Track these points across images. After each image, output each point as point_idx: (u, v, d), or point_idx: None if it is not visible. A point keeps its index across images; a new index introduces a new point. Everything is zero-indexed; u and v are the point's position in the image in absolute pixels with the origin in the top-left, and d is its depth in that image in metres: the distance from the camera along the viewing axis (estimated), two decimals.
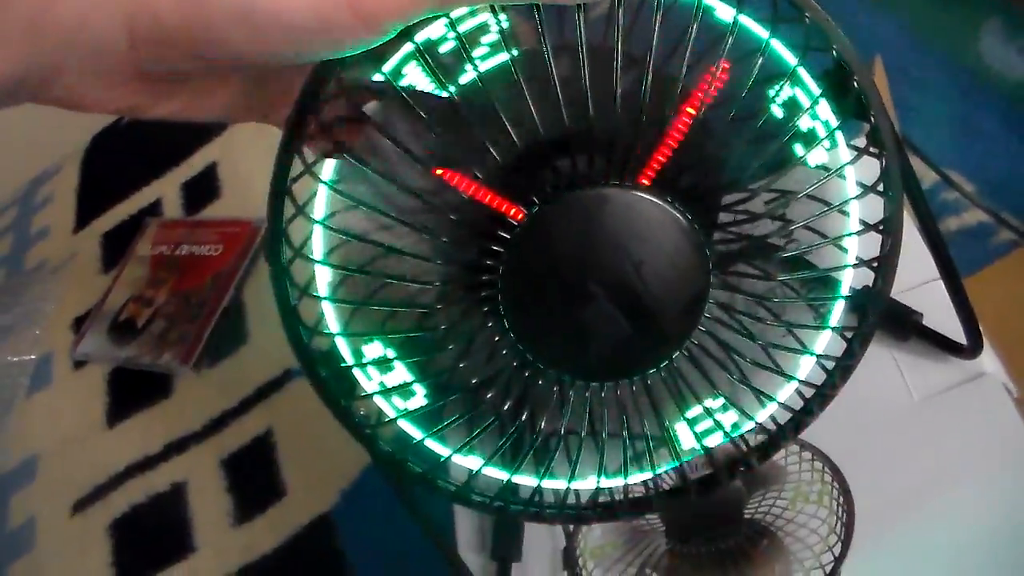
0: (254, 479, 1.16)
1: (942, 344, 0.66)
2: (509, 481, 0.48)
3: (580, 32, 0.39)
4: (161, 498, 1.20)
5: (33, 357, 1.44)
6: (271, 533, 1.10)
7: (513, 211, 0.41)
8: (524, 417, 0.46)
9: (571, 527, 0.63)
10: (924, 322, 0.66)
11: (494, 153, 0.41)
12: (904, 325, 0.66)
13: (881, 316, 0.65)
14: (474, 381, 0.45)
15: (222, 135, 1.56)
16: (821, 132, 0.43)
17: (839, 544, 0.59)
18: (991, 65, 1.19)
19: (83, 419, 1.32)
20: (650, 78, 0.39)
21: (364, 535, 1.05)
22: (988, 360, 0.65)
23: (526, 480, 0.48)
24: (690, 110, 0.41)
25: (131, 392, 1.32)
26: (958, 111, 1.16)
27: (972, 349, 0.63)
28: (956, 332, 0.63)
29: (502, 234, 0.41)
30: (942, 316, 0.62)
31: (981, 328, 0.64)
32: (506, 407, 0.45)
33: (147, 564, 1.15)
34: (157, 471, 1.23)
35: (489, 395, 0.45)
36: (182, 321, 1.33)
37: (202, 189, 1.54)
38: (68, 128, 1.68)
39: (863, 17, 1.23)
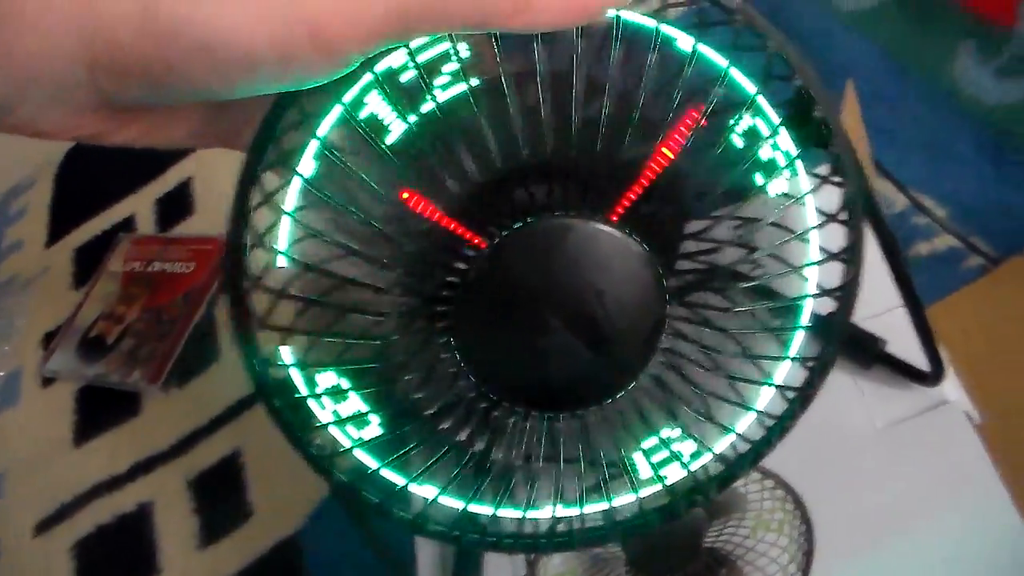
0: (221, 500, 1.16)
1: (905, 372, 0.65)
2: (465, 511, 0.48)
3: (538, 61, 0.39)
4: (127, 519, 1.19)
5: (2, 373, 1.43)
6: (237, 555, 1.09)
7: (476, 240, 0.40)
8: (479, 447, 0.45)
9: (531, 556, 0.62)
10: (888, 349, 0.66)
11: (452, 182, 0.41)
12: (867, 352, 0.66)
13: (844, 343, 0.66)
14: (428, 412, 0.45)
15: (197, 152, 1.55)
16: (781, 161, 0.43)
17: (799, 573, 0.59)
18: (965, 88, 1.20)
19: (50, 438, 1.31)
20: (608, 110, 0.39)
21: (330, 558, 1.05)
22: (951, 388, 0.65)
23: (482, 509, 0.48)
24: (667, 151, 0.41)
25: (99, 410, 1.31)
26: (932, 135, 1.17)
27: (934, 377, 0.63)
28: (920, 359, 0.63)
29: (458, 265, 0.41)
30: (906, 343, 0.62)
31: (947, 354, 0.64)
32: (461, 437, 0.45)
33: None
34: (124, 491, 1.22)
35: (444, 425, 0.45)
36: (152, 339, 1.32)
37: (176, 205, 1.53)
38: (42, 143, 1.66)
39: (839, 41, 1.24)
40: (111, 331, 1.36)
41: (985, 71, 1.20)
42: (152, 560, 1.14)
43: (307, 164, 0.41)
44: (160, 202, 1.56)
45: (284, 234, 0.42)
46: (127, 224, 1.55)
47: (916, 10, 1.27)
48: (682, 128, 0.41)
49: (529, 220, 0.40)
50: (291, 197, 0.42)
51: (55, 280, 1.53)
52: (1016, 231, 1.07)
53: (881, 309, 0.68)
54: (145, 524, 1.17)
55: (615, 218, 0.41)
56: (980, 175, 1.13)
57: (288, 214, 0.42)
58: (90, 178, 1.67)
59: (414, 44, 0.38)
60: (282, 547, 1.08)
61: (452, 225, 0.40)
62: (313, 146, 0.40)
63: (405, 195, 0.40)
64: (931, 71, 1.22)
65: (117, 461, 1.25)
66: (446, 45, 0.39)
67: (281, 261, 0.42)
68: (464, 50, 0.40)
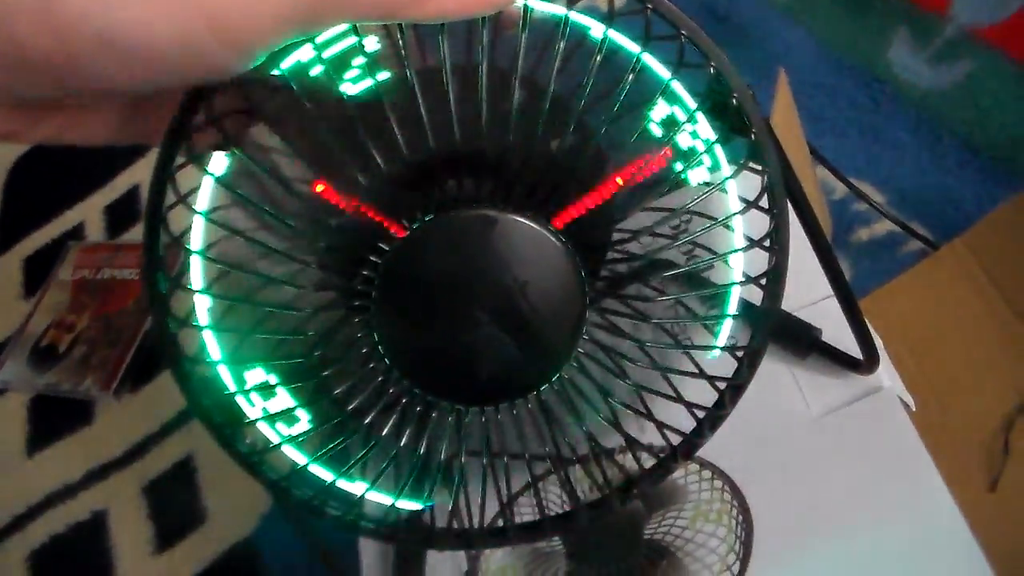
0: (175, 505, 1.15)
1: (840, 360, 0.66)
2: (392, 506, 0.48)
3: (443, 52, 0.38)
4: (81, 527, 1.18)
5: None
6: (192, 560, 1.09)
7: (392, 228, 0.40)
8: (406, 442, 0.45)
9: (471, 552, 0.62)
10: (823, 338, 0.66)
11: (363, 176, 0.40)
12: (803, 341, 0.66)
13: (779, 333, 0.66)
14: (353, 407, 0.44)
15: (145, 157, 1.54)
16: (701, 149, 0.43)
17: (738, 563, 0.59)
18: (900, 75, 1.21)
19: (2, 448, 1.30)
20: (518, 100, 0.39)
21: (285, 559, 1.05)
22: (885, 374, 0.65)
23: (412, 505, 0.48)
24: (619, 180, 0.41)
25: (52, 420, 1.30)
26: (868, 121, 1.18)
27: (868, 364, 0.63)
28: (855, 347, 0.63)
29: (373, 258, 0.41)
30: (842, 331, 0.62)
31: (884, 340, 0.65)
32: (387, 431, 0.45)
33: None
34: (77, 500, 1.21)
35: (369, 419, 0.45)
36: (104, 346, 1.31)
37: (125, 212, 1.52)
38: None
39: (775, 30, 1.25)
40: (62, 339, 1.35)
41: (919, 57, 1.21)
42: (108, 568, 1.13)
43: (219, 162, 0.40)
44: (109, 209, 1.54)
45: (198, 234, 0.42)
46: (76, 232, 1.54)
47: None
48: (641, 164, 0.41)
49: (439, 213, 0.40)
50: (204, 196, 0.42)
51: (4, 290, 1.51)
52: (954, 216, 1.08)
53: (816, 298, 0.68)
54: (100, 532, 1.17)
55: (559, 224, 0.41)
56: (917, 160, 1.14)
57: (200, 214, 0.41)
58: (38, 187, 1.65)
59: (320, 39, 0.38)
60: (238, 550, 1.08)
61: (368, 214, 0.40)
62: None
63: (320, 187, 0.40)
64: (866, 58, 1.24)
65: (70, 469, 1.24)
66: (354, 39, 0.39)
67: (196, 261, 0.42)
68: (373, 43, 0.39)
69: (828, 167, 1.12)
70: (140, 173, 1.55)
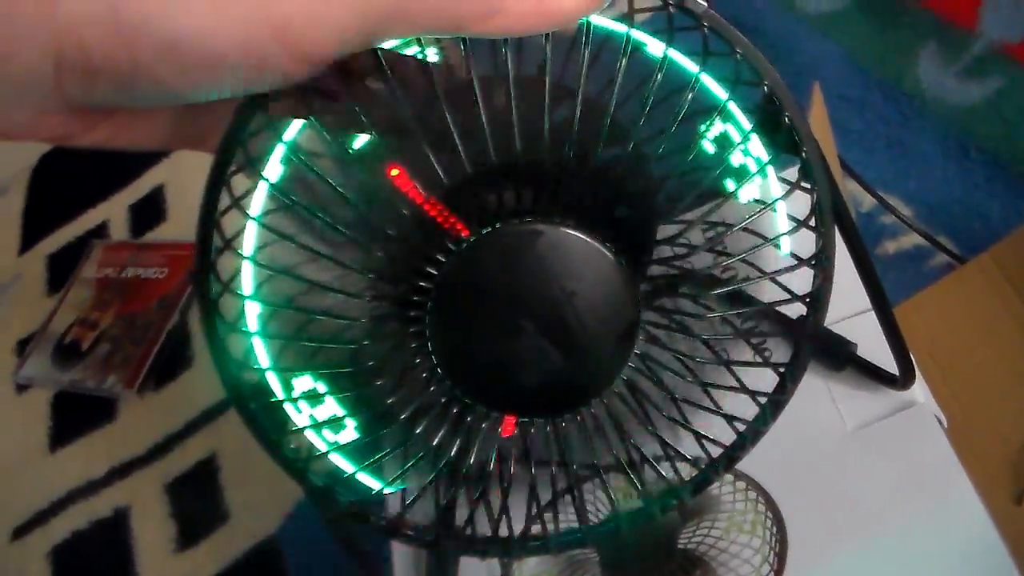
0: (198, 504, 1.16)
1: (875, 375, 0.66)
2: (439, 515, 0.48)
3: (508, 65, 0.39)
4: (103, 524, 1.19)
5: None
6: (214, 558, 1.10)
7: (460, 229, 0.41)
8: (453, 451, 0.46)
9: (505, 559, 0.63)
10: (858, 352, 0.67)
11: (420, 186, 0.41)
12: (838, 356, 0.67)
13: (815, 348, 0.66)
14: (403, 416, 0.45)
15: (169, 157, 1.55)
16: (752, 167, 0.43)
17: (772, 573, 0.59)
18: (928, 90, 1.21)
19: (25, 444, 1.31)
20: (578, 115, 0.40)
21: (308, 558, 1.05)
22: (920, 390, 0.65)
23: (456, 514, 0.48)
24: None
25: (75, 416, 1.32)
26: (897, 135, 1.19)
27: (904, 381, 0.63)
28: (890, 361, 0.63)
29: (429, 270, 0.41)
30: (876, 345, 0.62)
31: (914, 355, 0.65)
32: (435, 441, 0.45)
33: None
34: (100, 496, 1.22)
35: (419, 429, 0.45)
36: (127, 344, 1.32)
37: (149, 211, 1.54)
38: (15, 149, 1.67)
39: (804, 43, 1.25)
40: (86, 337, 1.36)
41: (948, 73, 1.22)
42: (129, 565, 1.14)
43: (274, 168, 0.41)
44: (133, 208, 1.56)
45: (250, 239, 0.43)
46: (100, 231, 1.56)
47: (879, 13, 1.29)
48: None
49: (498, 225, 0.40)
50: (258, 201, 0.42)
51: (28, 287, 1.53)
52: (980, 229, 1.09)
53: (851, 312, 0.68)
54: (122, 529, 1.18)
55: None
56: (945, 174, 1.15)
57: (254, 219, 0.42)
58: (63, 186, 1.67)
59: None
60: (260, 548, 1.09)
61: (439, 210, 0.40)
62: (280, 150, 0.41)
63: (395, 171, 0.40)
64: (895, 73, 1.24)
65: (93, 466, 1.25)
66: (416, 49, 0.40)
67: (247, 266, 0.43)
68: (433, 55, 0.40)
69: (856, 179, 1.12)
70: (164, 173, 1.57)
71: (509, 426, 0.45)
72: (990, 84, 1.20)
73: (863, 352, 0.67)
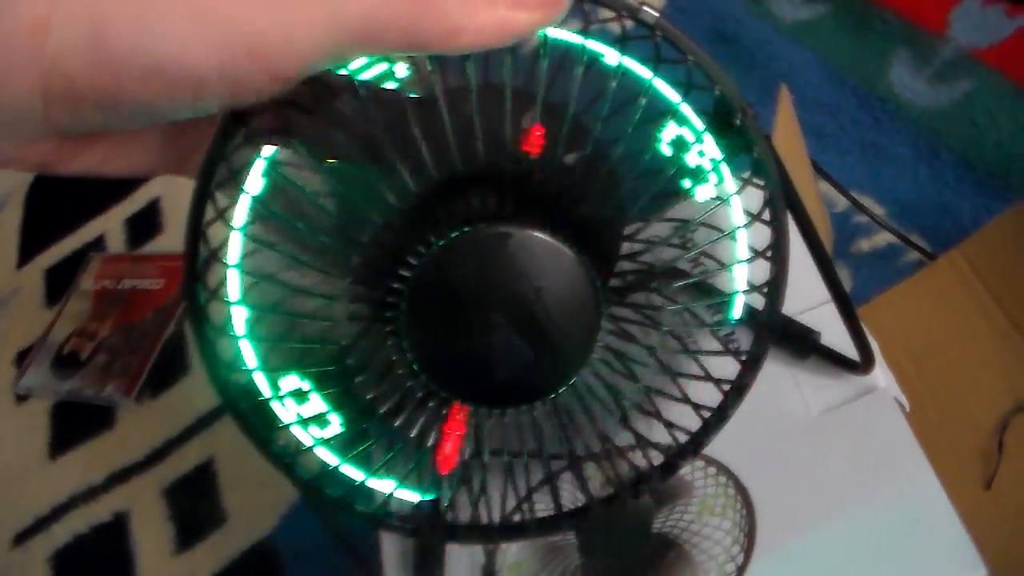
0: (196, 507, 1.18)
1: (838, 361, 0.68)
2: (421, 503, 0.50)
3: (472, 77, 0.41)
4: (103, 528, 1.21)
5: None
6: (212, 559, 1.11)
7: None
8: (431, 443, 0.48)
9: (489, 546, 0.65)
10: (822, 340, 0.69)
11: (391, 195, 0.43)
12: (802, 344, 0.69)
13: (780, 336, 0.69)
14: (384, 410, 0.47)
15: None
16: (707, 167, 0.45)
17: (742, 554, 0.61)
18: (900, 94, 1.24)
19: (25, 452, 1.33)
20: (537, 122, 0.42)
21: (304, 557, 1.07)
22: (881, 375, 0.67)
23: (436, 501, 0.51)
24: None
25: (74, 424, 1.33)
26: (870, 138, 1.21)
27: (864, 365, 0.66)
28: (852, 350, 0.66)
29: (403, 273, 0.43)
30: (839, 336, 0.65)
31: (883, 346, 0.67)
32: (414, 433, 0.48)
33: None
34: (99, 502, 1.24)
35: (398, 422, 0.48)
36: (125, 353, 1.34)
37: (145, 224, 1.56)
38: None
39: (781, 50, 1.27)
40: (84, 347, 1.38)
41: (919, 77, 1.24)
42: (129, 568, 1.16)
43: (255, 181, 0.43)
44: (129, 221, 1.58)
45: (235, 248, 0.45)
46: (97, 243, 1.57)
47: (854, 21, 1.32)
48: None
49: (466, 229, 0.43)
50: (240, 213, 0.44)
51: (27, 300, 1.54)
52: (951, 227, 1.11)
53: (816, 303, 0.70)
54: (121, 533, 1.20)
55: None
56: (916, 175, 1.17)
57: (238, 229, 0.44)
58: (60, 199, 1.69)
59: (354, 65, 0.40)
60: (257, 549, 1.10)
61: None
62: (260, 164, 0.43)
63: None
64: (868, 78, 1.27)
65: (93, 473, 1.27)
66: (386, 65, 0.42)
67: (232, 274, 0.45)
68: (403, 70, 0.42)
69: (830, 181, 1.15)
70: (159, 186, 1.59)
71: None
72: (959, 88, 1.23)
73: (827, 340, 0.69)
